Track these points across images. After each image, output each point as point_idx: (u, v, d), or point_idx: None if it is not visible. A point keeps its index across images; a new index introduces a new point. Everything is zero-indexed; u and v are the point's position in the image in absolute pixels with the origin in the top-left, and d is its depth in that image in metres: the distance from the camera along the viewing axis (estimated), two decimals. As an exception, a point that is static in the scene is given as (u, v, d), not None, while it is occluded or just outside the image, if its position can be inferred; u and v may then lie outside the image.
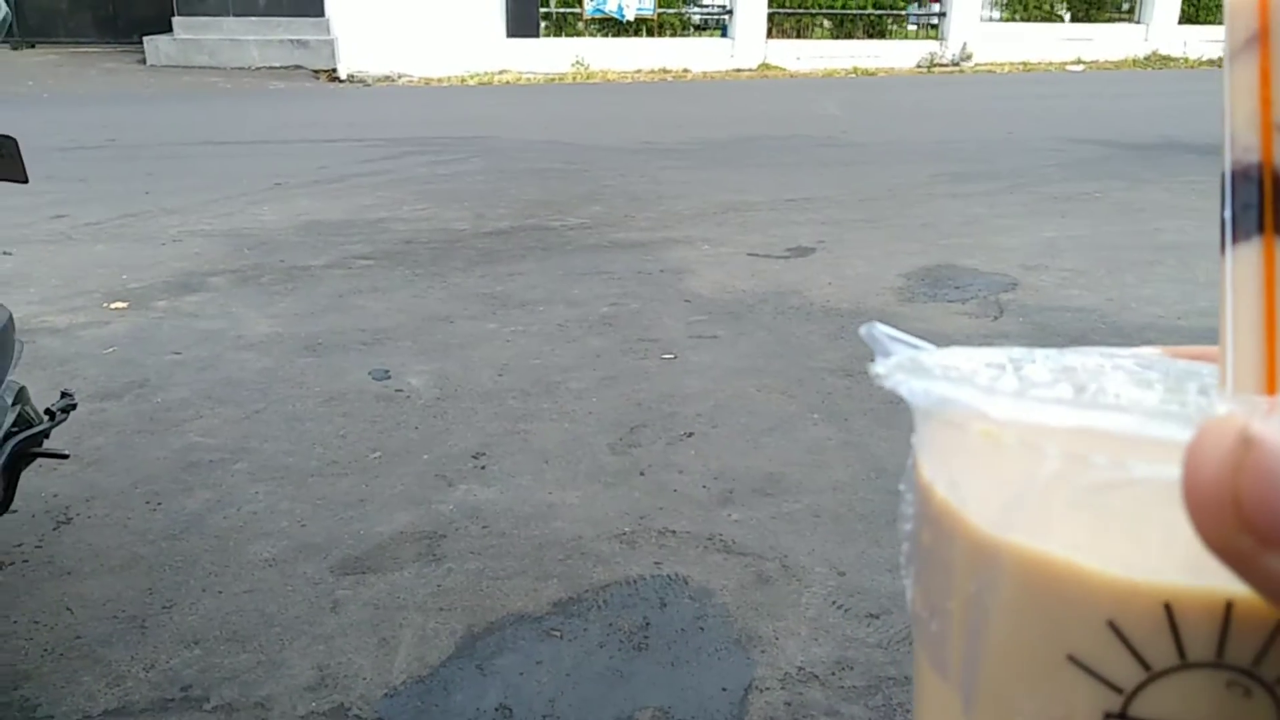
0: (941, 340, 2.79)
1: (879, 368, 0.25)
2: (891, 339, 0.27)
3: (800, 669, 1.43)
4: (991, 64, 14.64)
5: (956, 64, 14.63)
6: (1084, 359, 0.26)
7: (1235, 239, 0.22)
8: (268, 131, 7.66)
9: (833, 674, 1.42)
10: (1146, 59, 15.31)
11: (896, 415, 2.32)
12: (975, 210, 4.61)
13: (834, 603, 1.59)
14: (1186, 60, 15.34)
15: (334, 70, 12.01)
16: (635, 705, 1.37)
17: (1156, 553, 0.21)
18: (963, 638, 0.24)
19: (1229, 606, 0.20)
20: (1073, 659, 0.22)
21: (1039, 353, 0.26)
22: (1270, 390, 0.22)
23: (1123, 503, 0.21)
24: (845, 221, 4.40)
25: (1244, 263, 0.22)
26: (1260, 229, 0.22)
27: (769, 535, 1.80)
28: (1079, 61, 15.02)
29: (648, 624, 1.55)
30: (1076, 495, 0.22)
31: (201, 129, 7.73)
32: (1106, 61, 15.10)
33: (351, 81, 11.75)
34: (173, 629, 1.55)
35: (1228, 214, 0.22)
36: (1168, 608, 0.21)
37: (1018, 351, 0.26)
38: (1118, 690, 0.21)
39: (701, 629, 1.53)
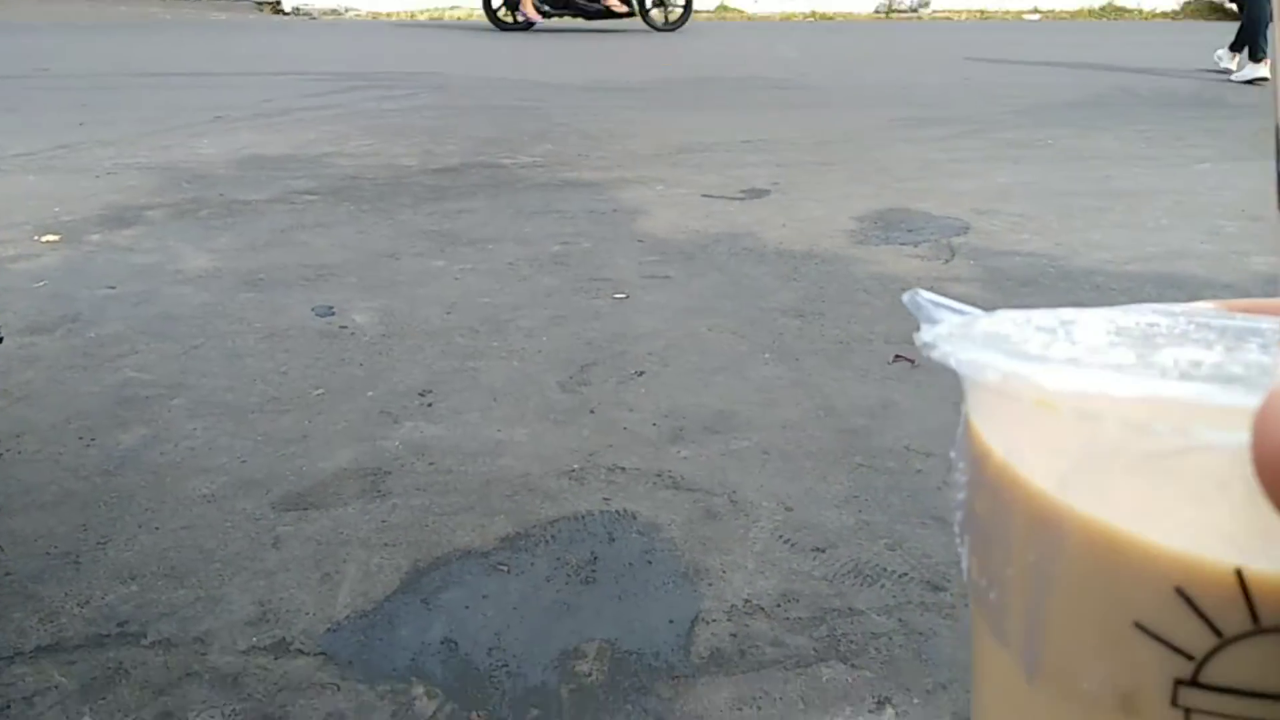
0: (893, 281, 2.80)
1: (926, 337, 0.25)
2: (935, 305, 0.26)
3: (746, 601, 1.44)
4: (949, 11, 14.59)
5: (914, 10, 14.56)
6: (1137, 317, 0.26)
7: None
8: (208, 63, 7.39)
9: (778, 606, 1.43)
10: (1102, 9, 15.36)
11: (846, 355, 2.33)
12: (930, 155, 4.61)
13: (781, 537, 1.60)
14: (1141, 12, 15.42)
15: (278, 2, 11.61)
16: (582, 638, 1.36)
17: (1225, 519, 0.21)
18: (1023, 607, 0.24)
19: None
20: (1140, 626, 0.22)
21: (1089, 313, 0.26)
22: None
23: (1187, 469, 0.21)
24: (801, 164, 4.37)
25: None
26: None
27: (718, 472, 1.80)
28: (1035, 10, 15.03)
29: (595, 558, 1.54)
30: (1139, 463, 0.21)
31: (139, 60, 7.44)
32: (1063, 11, 15.13)
33: (297, 14, 11.37)
34: (108, 565, 1.51)
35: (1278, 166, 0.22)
36: (1239, 573, 0.20)
37: (1068, 313, 0.26)
38: (1189, 657, 0.21)
39: (649, 563, 1.53)
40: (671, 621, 1.40)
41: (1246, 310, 0.26)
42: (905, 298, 0.28)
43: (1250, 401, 0.19)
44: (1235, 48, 7.84)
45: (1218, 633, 0.21)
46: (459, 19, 11.92)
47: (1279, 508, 0.19)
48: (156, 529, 1.60)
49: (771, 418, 2.02)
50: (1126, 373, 0.22)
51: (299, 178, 3.90)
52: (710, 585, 1.48)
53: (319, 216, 3.38)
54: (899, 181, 4.05)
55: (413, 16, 11.77)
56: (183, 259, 2.91)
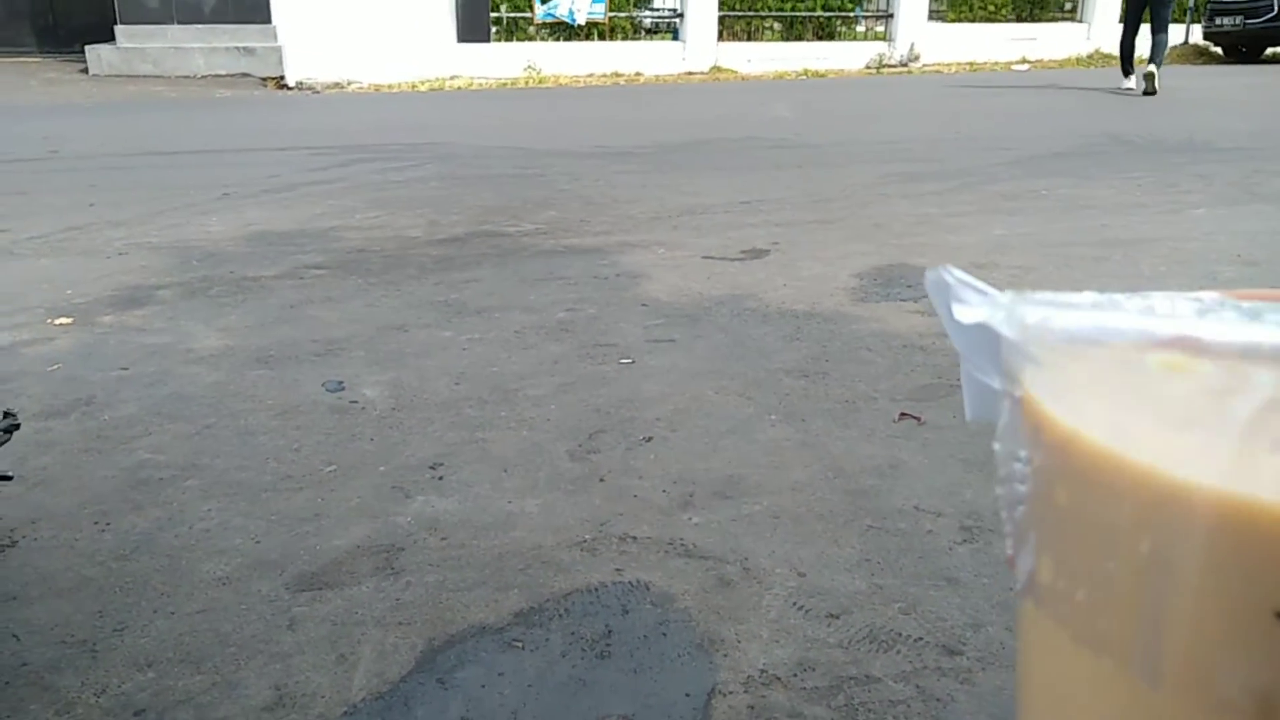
0: (895, 339, 2.82)
1: (971, 310, 0.22)
2: (963, 284, 0.25)
3: (763, 671, 1.44)
4: (939, 64, 14.85)
5: (905, 64, 14.82)
6: (1162, 300, 0.24)
7: None
8: (215, 141, 7.54)
9: (795, 675, 1.43)
10: (1089, 57, 15.63)
11: (852, 414, 2.34)
12: (926, 209, 4.67)
13: (795, 604, 1.60)
14: (1128, 59, 15.65)
15: (282, 78, 11.86)
16: (598, 713, 1.36)
17: None
18: (1132, 604, 0.21)
19: None
20: None
21: (1118, 296, 0.24)
22: None
23: None
24: (799, 223, 4.43)
25: None
26: None
27: (729, 538, 1.81)
28: (1024, 60, 15.29)
29: (610, 631, 1.54)
30: None
31: (146, 139, 7.59)
32: (1051, 60, 15.39)
33: (300, 89, 11.61)
34: (124, 652, 1.51)
35: None
36: None
37: (1093, 295, 0.24)
38: None
39: (664, 634, 1.53)
40: (688, 695, 1.40)
41: (1245, 298, 0.25)
42: (929, 274, 0.27)
43: None
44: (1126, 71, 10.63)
45: None
46: (459, 88, 12.16)
47: None
48: (172, 613, 1.61)
49: (780, 481, 2.03)
50: (1265, 327, 0.19)
51: (307, 252, 3.97)
52: (726, 656, 1.48)
53: (327, 290, 3.43)
54: (896, 237, 4.10)
55: (414, 88, 12.01)
56: (194, 338, 2.95)
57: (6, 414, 1.77)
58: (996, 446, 0.25)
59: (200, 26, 12.43)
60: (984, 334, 0.24)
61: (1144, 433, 0.21)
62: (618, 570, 1.71)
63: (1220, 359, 0.20)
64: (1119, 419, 0.21)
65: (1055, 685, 0.24)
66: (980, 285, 0.25)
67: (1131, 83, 10.57)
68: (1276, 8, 13.76)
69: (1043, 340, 0.23)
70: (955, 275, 0.24)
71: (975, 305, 0.24)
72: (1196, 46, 15.75)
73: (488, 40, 13.19)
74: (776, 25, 15.35)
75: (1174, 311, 0.22)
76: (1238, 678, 0.20)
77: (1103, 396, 0.22)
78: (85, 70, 12.32)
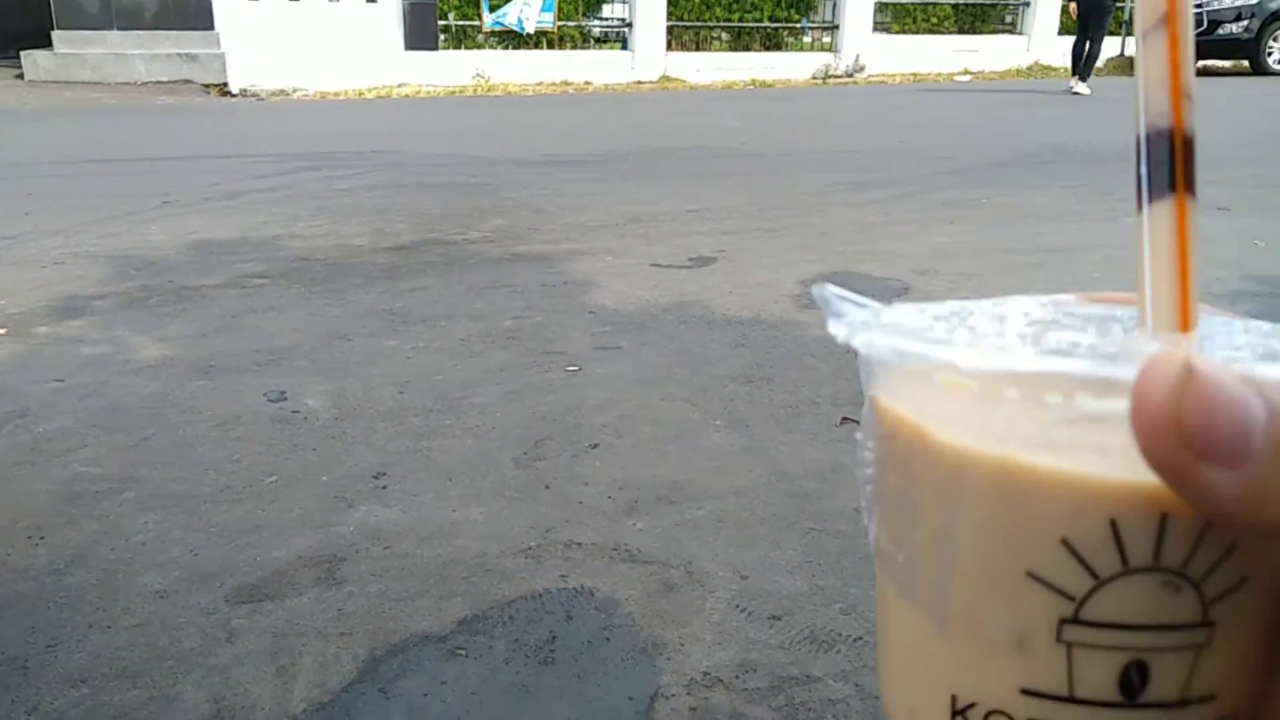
0: (838, 345, 2.85)
1: (836, 327, 0.29)
2: (840, 299, 0.30)
3: (705, 674, 1.45)
4: (884, 74, 15.09)
5: (850, 75, 15.03)
6: (1015, 307, 0.30)
7: (1151, 196, 0.25)
8: (155, 148, 7.40)
9: (736, 677, 1.44)
10: (1029, 69, 15.99)
11: (795, 419, 2.37)
12: (870, 218, 4.75)
13: (737, 606, 1.62)
14: (1066, 70, 16.06)
15: (225, 85, 11.68)
16: None
17: (1103, 478, 0.24)
18: (931, 565, 0.27)
19: (1163, 517, 0.24)
20: (1031, 574, 0.25)
21: (974, 304, 0.30)
22: (1184, 329, 0.26)
23: (1072, 436, 0.25)
24: (746, 231, 4.48)
25: (1159, 216, 0.25)
26: (1172, 186, 0.25)
27: (673, 543, 1.82)
28: (966, 72, 15.59)
29: (554, 638, 1.55)
30: (1033, 431, 0.25)
31: (84, 147, 7.43)
32: (992, 72, 15.72)
33: (244, 96, 11.45)
34: (57, 668, 1.48)
35: (1143, 171, 0.25)
36: (1113, 523, 0.24)
37: (955, 304, 0.30)
38: (1070, 598, 0.25)
39: (608, 639, 1.54)
40: (631, 698, 1.41)
41: (1105, 301, 0.31)
42: (813, 290, 0.30)
43: (1127, 374, 0.23)
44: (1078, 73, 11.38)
45: (1094, 575, 0.25)
46: (407, 96, 12.08)
47: (1151, 459, 0.22)
48: (108, 628, 1.58)
49: (724, 485, 2.05)
50: (1019, 354, 0.26)
51: (249, 261, 3.91)
52: (669, 659, 1.49)
53: (270, 300, 3.39)
54: (841, 245, 4.16)
55: (360, 95, 11.90)
56: (132, 349, 2.90)
57: (-67, 427, 1.73)
58: (858, 436, 0.30)
59: (141, 33, 12.20)
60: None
61: (935, 433, 0.27)
62: (562, 576, 1.72)
63: (982, 380, 0.26)
64: (920, 421, 0.27)
65: (890, 631, 0.30)
66: (854, 299, 0.29)
67: (1083, 87, 11.52)
68: (1206, 22, 14.21)
69: (875, 356, 0.28)
70: (833, 290, 0.30)
71: (835, 323, 0.29)
72: (1132, 58, 16.17)
73: (436, 48, 13.11)
74: (725, 35, 15.49)
75: (975, 334, 0.27)
76: (1000, 620, 0.26)
77: (909, 402, 0.28)
78: (21, 76, 12.02)
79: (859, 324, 0.29)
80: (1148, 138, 0.26)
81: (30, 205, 5.02)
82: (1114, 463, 0.24)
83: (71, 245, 4.19)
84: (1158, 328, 0.26)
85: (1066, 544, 0.25)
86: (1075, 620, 0.25)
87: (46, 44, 12.17)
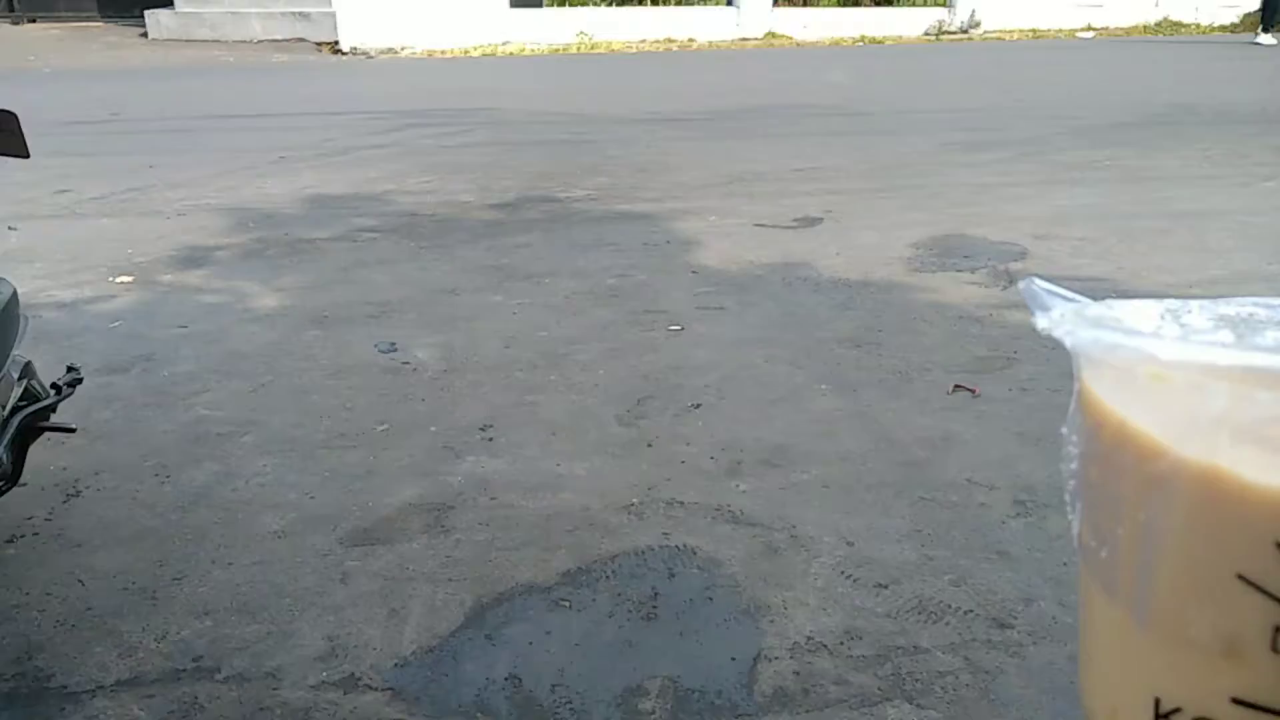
0: (950, 310, 2.77)
1: (1044, 321, 0.28)
2: (1050, 293, 0.29)
3: (809, 638, 1.43)
4: (1001, 31, 14.48)
5: (965, 31, 14.47)
6: (1238, 307, 0.29)
7: None
8: (271, 105, 7.61)
9: (841, 643, 1.42)
10: (1158, 25, 15.12)
11: (905, 385, 2.31)
12: (985, 179, 4.57)
13: (843, 572, 1.59)
14: (1198, 26, 15.15)
15: (336, 43, 11.92)
16: (644, 675, 1.37)
17: None
18: (1133, 561, 0.26)
19: None
20: (1242, 577, 0.24)
21: (1194, 303, 0.29)
22: None
23: None
24: (853, 191, 4.37)
25: None
26: None
27: (777, 506, 1.80)
28: (1089, 28, 14.84)
29: (656, 594, 1.55)
30: (1242, 428, 0.24)
31: (205, 103, 7.69)
32: (1117, 28, 14.92)
33: (354, 54, 11.67)
34: (183, 600, 1.55)
35: None
36: None
37: (1174, 303, 0.29)
38: None
39: (710, 599, 1.53)
40: (734, 659, 1.40)
41: None
42: (1021, 285, 0.30)
43: None
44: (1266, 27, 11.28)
45: None
46: (511, 54, 12.13)
47: None
48: (229, 565, 1.65)
49: (830, 450, 2.01)
50: (1230, 348, 0.25)
51: (361, 215, 4.00)
52: (772, 622, 1.47)
53: (381, 254, 3.46)
54: (954, 207, 4.02)
55: (466, 53, 12.01)
56: (251, 298, 3.00)
57: (70, 369, 1.81)
58: (1063, 430, 0.30)
59: (257, -9, 12.52)
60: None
61: (1141, 425, 0.26)
62: (664, 534, 1.72)
63: (1186, 373, 0.25)
64: (1125, 415, 0.26)
65: (1092, 628, 0.30)
66: (1061, 292, 0.28)
67: (1268, 38, 11.29)
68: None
69: (1082, 351, 0.27)
70: (1041, 285, 0.29)
71: (1042, 316, 0.28)
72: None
73: (540, 6, 13.12)
74: (833, -9, 15.06)
75: (1187, 330, 0.27)
76: (1207, 623, 0.25)
77: (1114, 394, 0.27)
78: (145, 35, 12.50)
79: (1063, 316, 0.28)
80: None
81: (155, 159, 5.23)
82: None
83: (194, 198, 4.35)
84: None
85: None
86: None
87: (168, 3, 12.61)
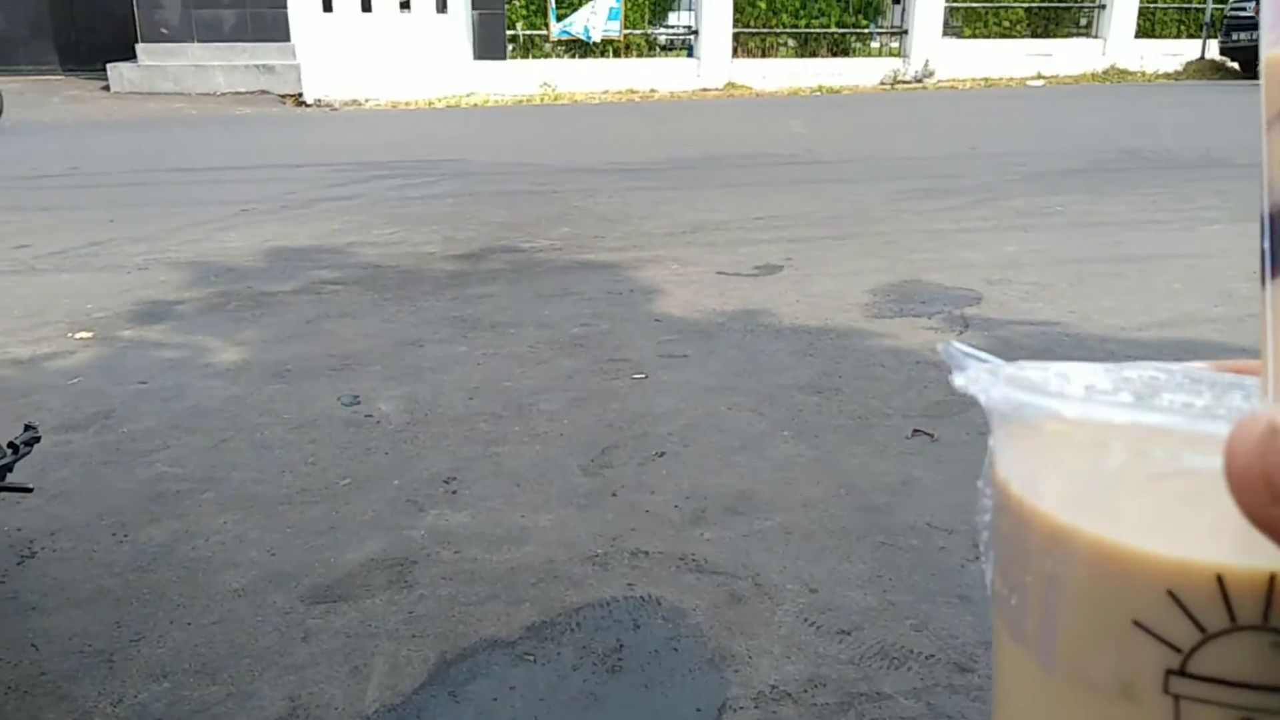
0: (908, 355, 2.82)
1: (959, 379, 0.30)
2: (965, 355, 0.31)
3: (774, 687, 1.44)
4: (954, 80, 14.86)
5: (919, 80, 14.83)
6: (1140, 372, 0.30)
7: (1274, 272, 0.26)
8: (234, 157, 7.61)
9: (805, 691, 1.43)
10: (1105, 73, 15.60)
11: (865, 431, 2.34)
12: (940, 226, 4.67)
13: (806, 620, 1.60)
14: (1144, 74, 15.66)
15: (300, 95, 11.97)
16: (609, 728, 1.37)
17: (1209, 531, 0.24)
18: (1040, 609, 0.28)
19: (1273, 577, 0.24)
20: (1137, 623, 0.25)
21: (1099, 366, 0.31)
22: None
23: (1178, 489, 0.25)
24: (812, 239, 4.44)
25: None
26: None
27: (741, 554, 1.81)
28: (1039, 76, 15.28)
29: (621, 646, 1.55)
30: (1138, 483, 0.25)
31: (167, 156, 7.68)
32: (1066, 76, 15.38)
33: (318, 106, 11.71)
34: (141, 662, 1.53)
35: (1267, 247, 0.27)
36: (1219, 578, 0.24)
37: (1080, 365, 0.31)
38: (1177, 650, 0.25)
39: (675, 649, 1.54)
40: (699, 710, 1.40)
41: (1236, 370, 0.31)
42: (940, 348, 0.32)
43: (1223, 431, 0.23)
44: None
45: (1201, 629, 0.25)
46: (475, 105, 12.24)
47: (1246, 513, 0.22)
48: (188, 625, 1.63)
49: (793, 497, 2.03)
50: (1128, 407, 0.26)
51: (324, 268, 4.00)
52: (737, 671, 1.48)
53: (344, 306, 3.46)
54: (910, 253, 4.11)
55: (431, 104, 12.10)
56: (212, 352, 2.98)
57: (28, 427, 1.80)
58: (979, 483, 0.32)
59: (220, 45, 12.57)
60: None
61: (1044, 481, 0.28)
62: (629, 585, 1.72)
63: (1087, 430, 0.26)
64: (1030, 470, 0.28)
65: (1003, 673, 0.31)
66: (976, 354, 0.31)
67: None
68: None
69: (993, 408, 0.29)
70: (958, 347, 0.32)
71: (958, 375, 0.30)
72: (1213, 62, 15.71)
73: (504, 58, 13.28)
74: (791, 42, 15.41)
75: (1090, 391, 0.28)
76: (1106, 667, 0.26)
77: (1022, 450, 0.29)
78: (107, 87, 12.47)
79: (977, 376, 0.31)
80: (1272, 216, 0.27)
81: (115, 213, 5.20)
82: (1219, 519, 0.24)
83: (155, 251, 4.33)
84: (1279, 397, 0.26)
85: (1173, 596, 0.25)
86: (1182, 673, 0.25)
87: (131, 56, 12.61)
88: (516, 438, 2.35)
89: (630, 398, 2.59)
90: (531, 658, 1.52)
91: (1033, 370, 0.31)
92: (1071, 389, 0.29)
